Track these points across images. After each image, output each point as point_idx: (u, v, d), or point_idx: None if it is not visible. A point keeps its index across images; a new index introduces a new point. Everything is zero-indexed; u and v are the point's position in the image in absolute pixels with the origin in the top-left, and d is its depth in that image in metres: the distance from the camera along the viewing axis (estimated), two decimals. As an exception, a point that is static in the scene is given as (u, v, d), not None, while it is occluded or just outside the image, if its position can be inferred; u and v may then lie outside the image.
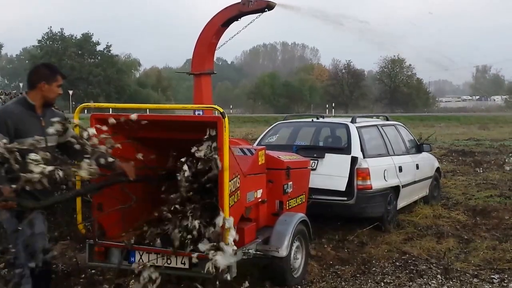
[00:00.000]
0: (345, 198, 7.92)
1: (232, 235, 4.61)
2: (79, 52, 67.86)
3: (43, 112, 4.61)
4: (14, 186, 3.89)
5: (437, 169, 10.94)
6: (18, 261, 4.48)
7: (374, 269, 6.72)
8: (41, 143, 4.33)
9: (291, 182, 6.37)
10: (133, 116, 4.76)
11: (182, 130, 5.22)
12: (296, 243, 5.95)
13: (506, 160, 17.60)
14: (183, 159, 4.80)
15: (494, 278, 6.37)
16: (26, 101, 4.53)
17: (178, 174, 4.81)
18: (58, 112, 4.93)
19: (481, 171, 15.58)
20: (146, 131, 5.27)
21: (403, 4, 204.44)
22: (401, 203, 9.05)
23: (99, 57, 68.96)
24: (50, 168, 3.98)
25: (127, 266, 4.97)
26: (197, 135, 5.05)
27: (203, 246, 4.61)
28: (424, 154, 10.26)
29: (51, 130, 4.38)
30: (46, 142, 4.46)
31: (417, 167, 9.61)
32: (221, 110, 4.70)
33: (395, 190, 8.69)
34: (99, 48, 69.40)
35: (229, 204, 4.74)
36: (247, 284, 4.82)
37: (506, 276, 6.44)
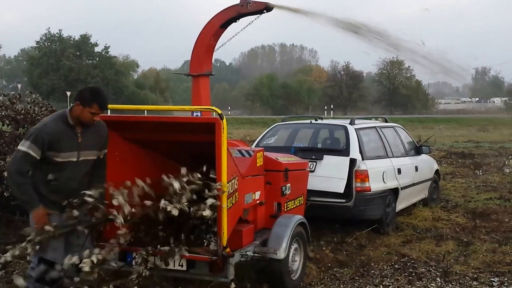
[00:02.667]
0: (344, 200, 7.89)
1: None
2: (77, 53, 67.70)
3: (84, 129, 4.69)
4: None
5: (436, 171, 10.92)
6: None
7: (372, 271, 6.69)
8: (73, 158, 4.61)
9: (289, 184, 6.34)
10: None
11: (180, 131, 5.20)
12: (294, 245, 5.92)
13: (506, 163, 17.59)
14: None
15: (494, 281, 6.34)
16: (66, 118, 4.64)
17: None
18: (102, 130, 4.90)
19: (481, 173, 15.57)
20: (144, 132, 5.25)
21: (402, 5, 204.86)
22: (400, 205, 9.02)
23: (97, 59, 68.82)
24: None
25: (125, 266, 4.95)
26: (195, 137, 5.04)
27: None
28: (423, 156, 10.24)
29: None
30: (79, 158, 4.66)
31: (416, 169, 9.59)
32: (219, 111, 4.69)
33: (394, 192, 8.66)
34: (97, 49, 69.27)
35: (227, 206, 4.72)
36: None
37: (506, 279, 6.41)
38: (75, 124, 4.63)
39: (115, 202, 4.49)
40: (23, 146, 4.42)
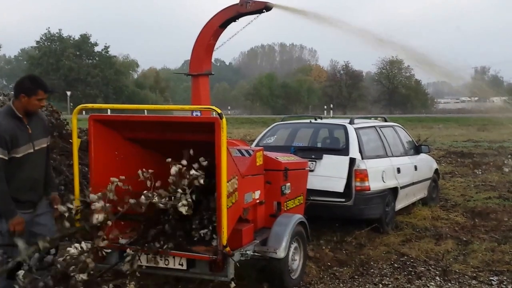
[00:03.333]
0: (343, 200, 7.90)
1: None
2: (77, 53, 67.78)
3: (29, 120, 4.75)
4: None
5: (436, 171, 10.93)
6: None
7: (372, 270, 6.71)
8: (30, 149, 4.67)
9: (289, 183, 6.36)
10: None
11: (179, 131, 5.21)
12: (294, 245, 5.93)
13: (505, 162, 17.58)
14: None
15: (493, 280, 6.36)
16: (14, 113, 4.67)
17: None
18: (42, 115, 5.05)
19: (480, 172, 15.58)
20: (144, 132, 5.26)
21: (402, 5, 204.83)
22: (400, 204, 9.03)
23: (97, 58, 68.89)
24: None
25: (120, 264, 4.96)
26: (195, 136, 5.04)
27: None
28: (422, 155, 10.25)
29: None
30: (34, 148, 4.73)
31: (416, 168, 9.60)
32: (219, 111, 4.69)
33: (394, 191, 8.67)
34: (97, 49, 69.40)
35: (227, 205, 4.73)
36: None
37: (505, 278, 6.43)
38: (22, 117, 4.69)
39: (93, 207, 4.54)
40: None
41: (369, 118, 11.18)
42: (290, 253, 5.81)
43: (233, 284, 4.76)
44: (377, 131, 9.10)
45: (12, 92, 8.67)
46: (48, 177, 5.00)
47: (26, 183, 4.70)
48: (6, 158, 4.49)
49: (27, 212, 4.72)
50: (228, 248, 4.75)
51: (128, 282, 4.53)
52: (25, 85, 4.70)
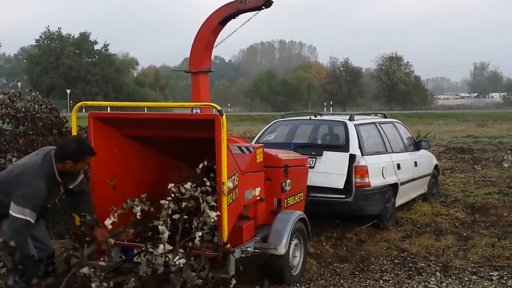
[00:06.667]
0: (344, 196, 7.90)
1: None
2: (77, 51, 67.67)
3: (63, 178, 4.68)
4: None
5: (436, 167, 10.93)
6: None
7: (372, 266, 6.72)
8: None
9: (289, 180, 6.36)
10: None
11: (179, 128, 5.22)
12: (295, 241, 5.94)
13: (505, 157, 17.61)
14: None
15: (493, 275, 6.37)
16: (55, 177, 4.56)
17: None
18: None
19: (480, 168, 15.58)
20: (143, 129, 5.27)
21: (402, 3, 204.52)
22: (400, 200, 9.04)
23: (96, 56, 68.78)
24: None
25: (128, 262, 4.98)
26: (195, 134, 5.05)
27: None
28: (422, 151, 10.24)
29: None
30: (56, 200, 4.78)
31: (416, 164, 9.60)
32: (219, 108, 4.70)
33: (394, 187, 8.68)
34: (96, 47, 69.24)
35: (227, 202, 4.74)
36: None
37: (505, 273, 6.44)
38: (61, 180, 4.65)
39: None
40: (23, 215, 4.33)
41: (369, 114, 11.18)
42: (291, 250, 5.82)
43: (233, 281, 4.77)
44: (377, 128, 9.10)
45: (12, 91, 8.72)
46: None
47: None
48: (33, 221, 4.39)
49: None
50: (228, 245, 4.77)
51: (128, 279, 4.53)
52: (71, 150, 4.56)
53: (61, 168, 4.56)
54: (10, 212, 4.34)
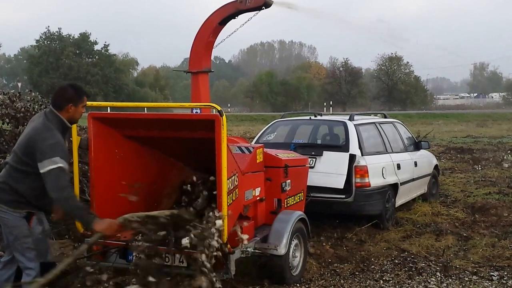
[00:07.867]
0: (344, 196, 7.91)
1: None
2: (77, 51, 67.60)
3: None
4: None
5: (436, 167, 10.93)
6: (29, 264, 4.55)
7: (373, 267, 6.72)
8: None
9: (289, 180, 6.36)
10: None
11: (179, 128, 5.21)
12: (295, 241, 5.94)
13: (505, 157, 17.61)
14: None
15: (494, 276, 6.37)
16: (65, 124, 4.57)
17: None
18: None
19: (480, 168, 15.58)
20: (143, 129, 5.26)
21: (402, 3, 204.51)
22: (400, 200, 9.04)
23: (96, 57, 68.69)
24: None
25: (125, 264, 4.97)
26: (195, 134, 5.04)
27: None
28: (422, 151, 10.25)
29: None
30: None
31: (416, 164, 9.61)
32: (219, 108, 4.69)
33: (394, 187, 8.68)
34: (96, 47, 69.14)
35: (227, 202, 4.73)
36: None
37: (506, 273, 6.44)
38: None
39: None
40: (55, 164, 4.25)
41: (369, 114, 11.18)
42: (291, 250, 5.82)
43: (234, 281, 4.77)
44: (377, 128, 9.11)
45: (12, 91, 8.72)
46: None
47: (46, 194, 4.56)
48: (66, 167, 4.32)
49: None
50: (228, 246, 4.76)
51: (128, 279, 4.53)
52: (69, 94, 4.58)
53: (65, 117, 4.57)
54: (41, 171, 4.25)
